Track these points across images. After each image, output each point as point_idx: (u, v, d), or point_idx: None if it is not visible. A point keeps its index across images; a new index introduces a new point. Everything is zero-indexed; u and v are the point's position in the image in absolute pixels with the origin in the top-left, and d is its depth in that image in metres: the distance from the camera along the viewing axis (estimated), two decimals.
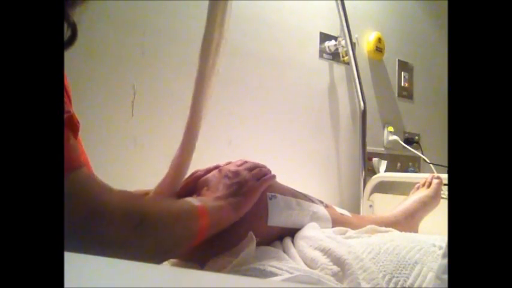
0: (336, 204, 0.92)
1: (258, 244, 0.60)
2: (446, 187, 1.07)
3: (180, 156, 0.66)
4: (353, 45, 1.41)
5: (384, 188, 1.36)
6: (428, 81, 1.86)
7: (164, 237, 0.49)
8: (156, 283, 0.25)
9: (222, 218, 0.58)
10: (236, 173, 0.65)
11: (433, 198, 1.02)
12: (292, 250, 0.63)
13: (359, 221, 0.84)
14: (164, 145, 1.02)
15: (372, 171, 1.51)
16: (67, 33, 0.45)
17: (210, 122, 1.13)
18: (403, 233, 0.79)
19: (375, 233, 0.75)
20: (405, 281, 0.54)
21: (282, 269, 0.53)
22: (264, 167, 0.70)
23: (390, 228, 0.81)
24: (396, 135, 1.64)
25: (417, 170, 1.73)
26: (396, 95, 1.72)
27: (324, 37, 1.44)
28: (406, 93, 1.76)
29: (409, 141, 1.71)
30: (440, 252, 0.59)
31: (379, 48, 1.58)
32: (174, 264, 0.64)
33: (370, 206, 1.36)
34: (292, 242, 0.66)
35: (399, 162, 1.67)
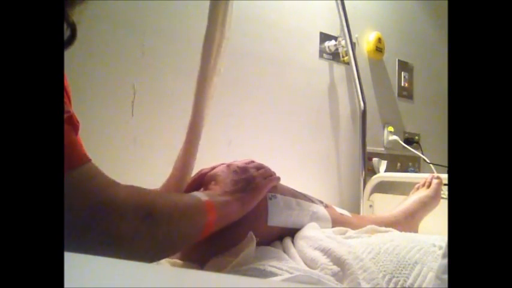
0: (336, 204, 0.92)
1: (258, 244, 0.60)
2: (446, 187, 1.07)
3: (184, 156, 0.66)
4: (353, 45, 1.41)
5: (384, 188, 1.36)
6: (428, 81, 1.86)
7: (172, 231, 0.49)
8: (156, 283, 0.25)
9: (228, 213, 0.58)
10: (244, 169, 0.65)
11: (433, 198, 1.02)
12: (292, 250, 0.63)
13: (359, 221, 0.84)
14: (164, 145, 1.02)
15: (372, 171, 1.51)
16: (66, 33, 0.45)
17: (210, 122, 1.13)
18: (403, 233, 0.79)
19: (375, 233, 0.75)
20: (405, 281, 0.54)
21: (282, 269, 0.53)
22: (269, 168, 0.71)
23: (390, 228, 0.81)
24: (396, 135, 1.64)
25: (417, 170, 1.73)
26: (396, 95, 1.72)
27: (324, 37, 1.44)
28: (406, 93, 1.76)
29: (409, 141, 1.71)
30: (440, 252, 0.59)
31: (379, 48, 1.58)
32: (174, 264, 0.64)
33: (370, 206, 1.36)
34: (292, 242, 0.66)
35: (399, 162, 1.67)
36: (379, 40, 1.58)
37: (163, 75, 1.06)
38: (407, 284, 0.54)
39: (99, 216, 0.41)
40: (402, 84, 1.74)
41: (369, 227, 0.78)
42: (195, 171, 0.71)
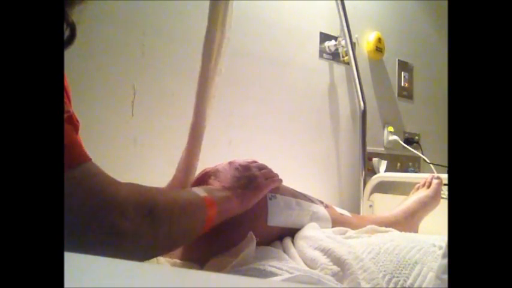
0: (336, 204, 0.92)
1: (258, 244, 0.60)
2: (446, 187, 1.07)
3: (187, 158, 0.66)
4: (353, 45, 1.41)
5: (384, 188, 1.36)
6: (428, 81, 1.86)
7: (173, 227, 0.49)
8: (156, 283, 0.25)
9: (228, 208, 0.58)
10: (246, 168, 0.65)
11: (433, 198, 1.02)
12: (292, 250, 0.63)
13: (359, 221, 0.84)
14: (164, 145, 1.02)
15: (372, 171, 1.51)
16: (66, 33, 0.45)
17: (210, 122, 1.13)
18: (403, 233, 0.79)
19: (375, 233, 0.75)
20: (405, 281, 0.54)
21: (282, 269, 0.53)
22: (272, 170, 0.71)
23: (390, 228, 0.81)
24: (396, 135, 1.64)
25: (417, 170, 1.73)
26: (396, 95, 1.72)
27: (324, 37, 1.44)
28: (406, 93, 1.76)
29: (409, 141, 1.71)
30: (440, 252, 0.59)
31: (379, 48, 1.58)
32: (174, 264, 0.64)
33: (370, 206, 1.36)
34: (292, 242, 0.66)
35: (399, 162, 1.67)
36: (379, 40, 1.58)
37: (163, 75, 1.05)
38: (407, 284, 0.54)
39: (100, 215, 0.41)
40: (402, 84, 1.74)
41: (369, 227, 0.78)
42: (196, 171, 0.71)
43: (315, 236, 0.64)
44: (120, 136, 0.98)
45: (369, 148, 1.48)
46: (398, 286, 0.53)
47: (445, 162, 1.56)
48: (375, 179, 1.37)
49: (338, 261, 0.56)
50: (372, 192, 1.37)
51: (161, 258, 0.62)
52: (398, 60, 1.73)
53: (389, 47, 1.64)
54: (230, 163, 0.67)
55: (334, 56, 1.46)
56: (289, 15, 1.34)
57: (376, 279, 0.52)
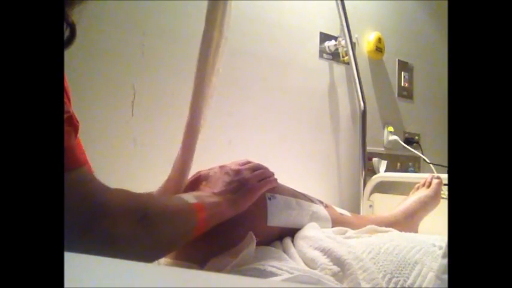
0: (336, 204, 0.92)
1: (258, 244, 0.60)
2: (446, 187, 1.07)
3: (182, 158, 0.66)
4: (353, 45, 1.41)
5: (384, 188, 1.36)
6: (428, 81, 1.86)
7: (163, 233, 0.49)
8: (156, 283, 0.25)
9: (218, 214, 0.58)
10: (237, 172, 0.65)
11: (433, 198, 1.02)
12: (292, 250, 0.63)
13: (359, 221, 0.84)
14: (164, 145, 1.02)
15: (372, 171, 1.51)
16: (66, 33, 0.45)
17: (210, 122, 1.13)
18: (403, 233, 0.79)
19: (375, 233, 0.75)
20: (405, 281, 0.54)
21: (282, 269, 0.53)
22: (267, 169, 0.70)
23: (390, 228, 0.81)
24: (396, 135, 1.64)
25: (417, 170, 1.73)
26: (396, 95, 1.72)
27: (324, 37, 1.44)
28: (406, 93, 1.76)
29: (409, 141, 1.71)
30: (440, 252, 0.59)
31: (379, 48, 1.58)
32: (174, 264, 0.64)
33: (370, 206, 1.36)
34: (292, 242, 0.66)
35: (399, 162, 1.67)
36: (379, 40, 1.58)
37: (163, 75, 1.05)
38: (407, 284, 0.54)
39: (92, 222, 0.41)
40: (402, 84, 1.74)
41: (369, 227, 0.78)
42: (194, 170, 0.71)
43: (315, 236, 0.64)
44: (120, 136, 0.98)
45: (369, 148, 1.48)
46: (398, 286, 0.53)
47: (445, 162, 1.56)
48: (374, 179, 1.37)
49: (338, 261, 0.56)
50: (372, 192, 1.37)
51: (161, 259, 0.62)
52: (398, 60, 1.73)
53: (389, 47, 1.64)
54: (221, 167, 0.67)
55: (334, 56, 1.46)
56: (289, 15, 1.34)
57: (376, 279, 0.52)
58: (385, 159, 1.56)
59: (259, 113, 1.26)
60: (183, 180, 0.67)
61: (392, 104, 1.71)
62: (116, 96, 0.99)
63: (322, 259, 0.57)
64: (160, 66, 1.05)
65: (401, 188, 1.26)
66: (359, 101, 1.41)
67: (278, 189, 0.70)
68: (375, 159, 1.54)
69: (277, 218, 0.67)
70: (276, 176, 0.71)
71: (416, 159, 1.73)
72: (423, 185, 1.08)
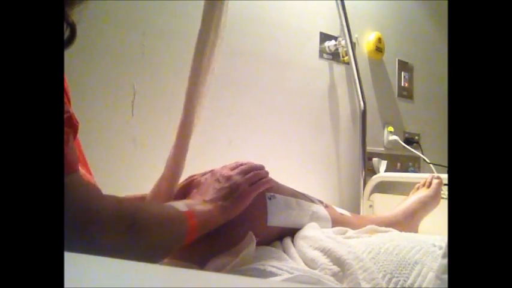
0: (336, 204, 0.92)
1: (258, 244, 0.60)
2: (446, 187, 1.07)
3: (174, 157, 0.66)
4: (353, 45, 1.41)
5: (384, 188, 1.36)
6: (428, 81, 1.86)
7: (153, 241, 0.49)
8: (156, 283, 0.25)
9: (209, 221, 0.58)
10: (228, 178, 0.64)
11: (433, 198, 1.02)
12: (292, 250, 0.63)
13: (359, 221, 0.84)
14: (164, 145, 1.02)
15: (372, 171, 1.51)
16: (66, 33, 0.45)
17: (210, 122, 1.13)
18: (403, 233, 0.79)
19: (375, 233, 0.75)
20: (405, 281, 0.54)
21: (282, 269, 0.53)
22: (261, 168, 0.69)
23: (390, 228, 0.81)
24: (396, 135, 1.64)
25: (417, 170, 1.73)
26: (396, 95, 1.72)
27: (324, 37, 1.44)
28: (406, 93, 1.76)
29: (409, 141, 1.71)
30: (440, 252, 0.59)
31: (379, 48, 1.58)
32: (173, 264, 0.64)
33: (370, 206, 1.36)
34: (292, 242, 0.66)
35: (399, 162, 1.67)
36: (379, 40, 1.58)
37: (163, 75, 1.05)
38: (407, 284, 0.54)
39: (80, 228, 0.41)
40: (402, 84, 1.74)
41: (368, 227, 0.78)
42: (195, 170, 0.71)
43: (315, 236, 0.64)
44: (120, 136, 0.98)
45: (369, 148, 1.48)
46: (398, 286, 0.53)
47: (445, 162, 1.56)
48: (374, 179, 1.37)
49: (338, 261, 0.56)
50: (372, 192, 1.37)
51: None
52: (398, 60, 1.73)
53: (389, 47, 1.64)
54: (212, 174, 0.66)
55: (334, 56, 1.46)
56: (289, 15, 1.34)
57: (376, 279, 0.52)
58: (385, 159, 1.56)
59: (259, 113, 1.26)
60: (176, 179, 0.66)
61: (392, 104, 1.71)
62: (116, 96, 0.99)
63: (322, 259, 0.57)
64: (160, 66, 1.05)
65: (401, 188, 1.26)
66: (359, 101, 1.41)
67: (278, 189, 0.70)
68: (374, 159, 1.54)
69: (277, 218, 0.67)
70: (275, 176, 0.71)
71: (416, 159, 1.73)
72: (423, 185, 1.08)
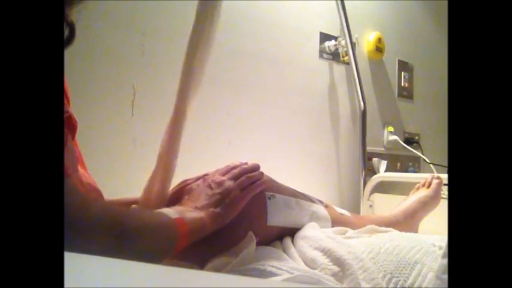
0: (336, 204, 0.92)
1: (258, 244, 0.60)
2: (446, 187, 1.07)
3: (167, 155, 0.66)
4: (353, 45, 1.41)
5: (384, 188, 1.36)
6: (428, 81, 1.86)
7: (143, 249, 0.49)
8: (156, 283, 0.25)
9: (200, 228, 0.58)
10: (219, 184, 0.63)
11: (433, 198, 1.02)
12: (292, 250, 0.63)
13: (359, 221, 0.84)
14: None
15: (372, 171, 1.51)
16: (65, 32, 0.45)
17: (210, 122, 1.13)
18: (403, 233, 0.79)
19: (375, 233, 0.75)
20: (405, 281, 0.54)
21: (282, 269, 0.53)
22: (255, 169, 0.68)
23: (390, 228, 0.81)
24: (396, 135, 1.64)
25: (417, 170, 1.73)
26: (396, 95, 1.72)
27: (324, 37, 1.44)
28: (406, 93, 1.76)
29: (409, 141, 1.71)
30: (440, 252, 0.59)
31: (379, 48, 1.58)
32: (173, 264, 0.64)
33: (370, 206, 1.36)
34: (292, 241, 0.66)
35: (399, 162, 1.67)
36: (379, 40, 1.58)
37: (163, 75, 1.05)
38: (407, 284, 0.54)
39: (68, 234, 0.41)
40: (402, 84, 1.74)
41: (368, 227, 0.78)
42: (195, 170, 0.71)
43: (314, 236, 0.63)
44: (120, 136, 0.98)
45: (369, 148, 1.48)
46: (398, 286, 0.53)
47: (445, 162, 1.56)
48: (374, 179, 1.37)
49: (338, 261, 0.55)
50: (372, 192, 1.36)
51: None
52: (398, 60, 1.73)
53: (389, 47, 1.64)
54: (204, 180, 0.66)
55: (334, 56, 1.46)
56: (289, 15, 1.34)
57: (376, 279, 0.52)
58: (385, 159, 1.56)
59: (259, 112, 1.26)
60: (168, 178, 0.66)
61: (392, 104, 1.71)
62: (116, 96, 0.99)
63: (322, 259, 0.57)
64: (160, 66, 1.05)
65: (401, 188, 1.26)
66: (359, 101, 1.41)
67: (278, 189, 0.70)
68: (375, 159, 1.54)
69: (276, 218, 0.67)
70: (275, 176, 0.71)
71: (416, 159, 1.73)
72: (423, 185, 1.08)
